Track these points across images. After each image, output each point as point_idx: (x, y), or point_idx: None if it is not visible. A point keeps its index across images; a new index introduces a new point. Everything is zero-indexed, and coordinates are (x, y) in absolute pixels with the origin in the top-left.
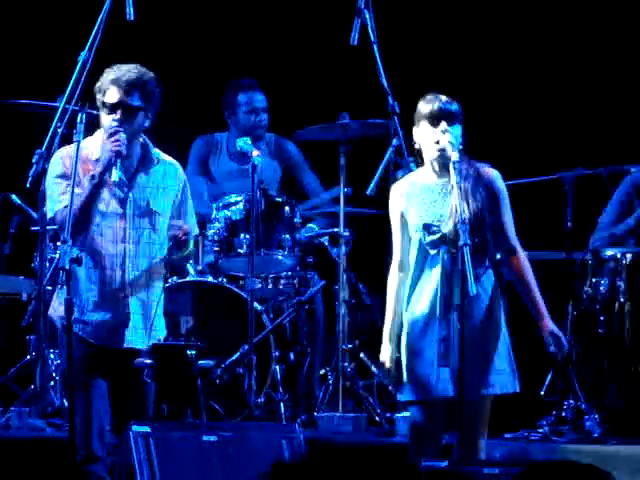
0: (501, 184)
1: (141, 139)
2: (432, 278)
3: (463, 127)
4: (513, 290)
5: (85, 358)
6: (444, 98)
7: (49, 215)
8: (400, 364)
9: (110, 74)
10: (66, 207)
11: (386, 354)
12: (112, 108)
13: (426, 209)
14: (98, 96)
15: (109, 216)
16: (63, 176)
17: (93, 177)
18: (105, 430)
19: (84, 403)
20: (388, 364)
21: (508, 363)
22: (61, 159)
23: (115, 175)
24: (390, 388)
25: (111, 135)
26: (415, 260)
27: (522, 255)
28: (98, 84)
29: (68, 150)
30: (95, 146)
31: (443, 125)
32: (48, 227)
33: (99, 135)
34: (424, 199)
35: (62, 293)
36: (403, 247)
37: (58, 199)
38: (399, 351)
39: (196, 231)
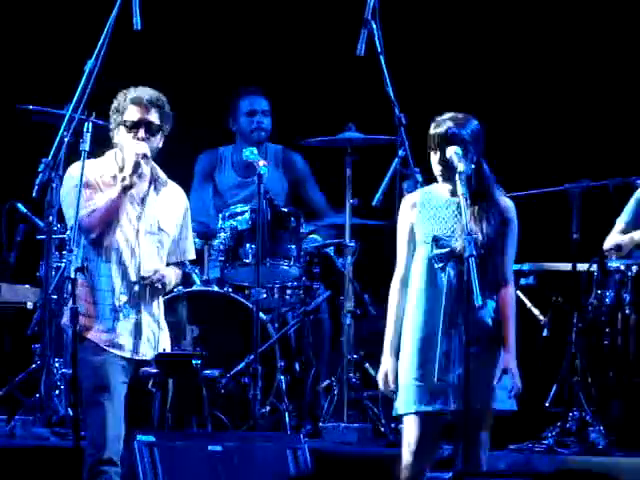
0: (514, 216)
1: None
2: (437, 292)
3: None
4: (518, 303)
5: (108, 362)
6: (448, 123)
7: (71, 223)
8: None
9: (128, 94)
10: (93, 211)
11: (388, 367)
12: (133, 126)
13: (437, 224)
14: (114, 116)
15: (125, 232)
16: (85, 185)
17: (124, 179)
18: (121, 435)
19: (102, 406)
20: (391, 376)
21: (504, 380)
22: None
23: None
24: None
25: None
26: (420, 273)
27: (512, 290)
28: (115, 105)
29: (87, 166)
30: (108, 166)
31: (438, 147)
32: (54, 236)
33: (110, 156)
34: (436, 214)
35: (81, 306)
36: (407, 262)
37: (83, 205)
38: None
39: (192, 256)
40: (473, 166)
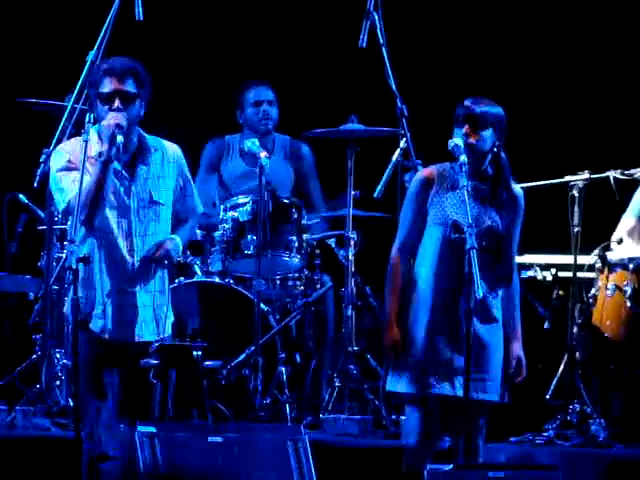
0: (523, 205)
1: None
2: (451, 277)
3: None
4: (523, 299)
5: (99, 356)
6: (479, 103)
7: (62, 206)
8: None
9: (102, 66)
10: (80, 192)
11: (396, 337)
12: (108, 97)
13: (455, 207)
14: (91, 91)
15: (115, 209)
16: (68, 169)
17: (100, 154)
18: (118, 428)
19: (94, 404)
20: (400, 343)
21: (500, 373)
22: (65, 153)
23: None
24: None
25: (110, 117)
26: (433, 255)
27: (517, 275)
28: (89, 78)
29: (70, 145)
30: (92, 142)
31: (464, 129)
32: (55, 226)
33: (94, 132)
34: (453, 196)
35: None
36: (410, 234)
37: (70, 188)
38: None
39: (200, 209)
40: (495, 150)
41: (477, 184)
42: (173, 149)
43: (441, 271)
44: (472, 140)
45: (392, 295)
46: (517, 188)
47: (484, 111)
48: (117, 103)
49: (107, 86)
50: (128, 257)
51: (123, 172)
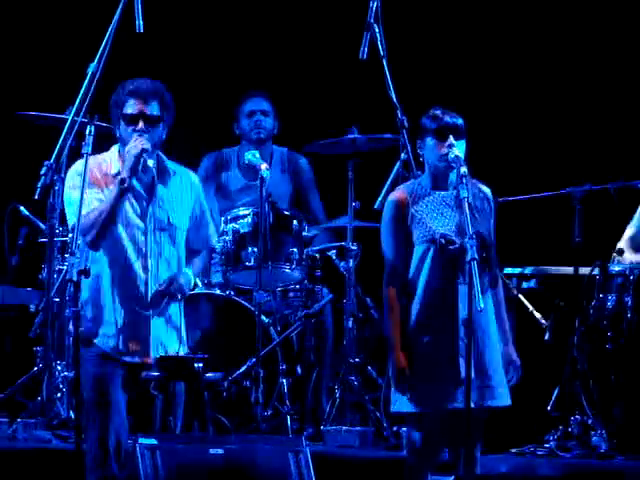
0: (492, 201)
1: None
2: (444, 291)
3: (468, 142)
4: (520, 306)
5: (109, 375)
6: (450, 113)
7: (71, 222)
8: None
9: (127, 86)
10: (92, 211)
11: (404, 364)
12: (133, 119)
13: (434, 220)
14: (114, 110)
15: (131, 230)
16: (89, 184)
17: (123, 181)
18: (123, 447)
19: (101, 423)
20: (407, 370)
21: (504, 376)
22: (81, 169)
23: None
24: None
25: (135, 140)
26: (425, 272)
27: (500, 276)
28: (114, 98)
29: (91, 162)
30: (112, 160)
31: (450, 139)
32: (56, 238)
33: (115, 150)
34: (430, 210)
35: (88, 310)
36: (400, 256)
37: (85, 204)
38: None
39: (214, 241)
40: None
41: (452, 194)
42: (193, 177)
43: (435, 288)
44: (457, 152)
45: (394, 328)
46: (485, 187)
47: (461, 122)
48: (141, 125)
49: (132, 107)
50: (142, 275)
51: (142, 192)
